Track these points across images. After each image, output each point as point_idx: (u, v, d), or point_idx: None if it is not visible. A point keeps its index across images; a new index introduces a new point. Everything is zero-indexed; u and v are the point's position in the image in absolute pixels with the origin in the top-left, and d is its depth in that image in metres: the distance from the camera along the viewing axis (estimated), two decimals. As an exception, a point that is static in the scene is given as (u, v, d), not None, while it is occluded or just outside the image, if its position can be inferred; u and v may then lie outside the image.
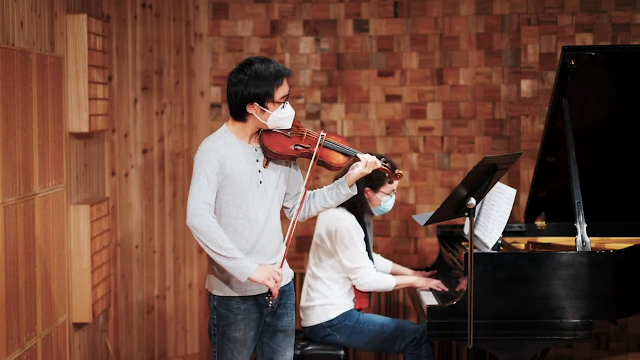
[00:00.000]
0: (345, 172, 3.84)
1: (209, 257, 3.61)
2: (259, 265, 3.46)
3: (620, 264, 4.01)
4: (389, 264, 4.84)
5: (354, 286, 4.51)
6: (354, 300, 4.53)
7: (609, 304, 3.99)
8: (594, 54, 4.31)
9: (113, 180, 5.52)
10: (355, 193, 3.65)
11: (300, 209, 3.61)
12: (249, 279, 3.44)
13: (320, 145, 3.57)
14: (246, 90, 3.48)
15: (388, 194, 4.50)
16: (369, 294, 4.54)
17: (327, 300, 4.48)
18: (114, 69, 5.48)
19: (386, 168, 3.66)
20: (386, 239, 5.70)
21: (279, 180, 3.62)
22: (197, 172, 3.49)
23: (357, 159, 3.61)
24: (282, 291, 3.66)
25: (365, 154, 3.63)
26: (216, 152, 3.50)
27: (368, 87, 5.67)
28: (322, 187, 3.74)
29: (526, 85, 5.50)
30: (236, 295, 3.56)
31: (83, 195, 4.99)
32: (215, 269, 3.60)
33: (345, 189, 3.62)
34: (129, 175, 5.57)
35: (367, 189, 4.48)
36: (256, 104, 3.49)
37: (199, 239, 3.43)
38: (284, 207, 3.72)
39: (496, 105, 5.60)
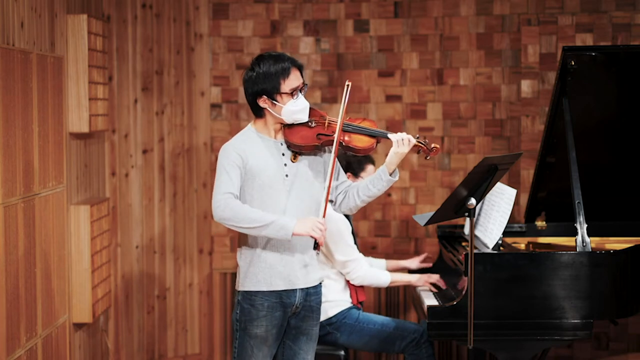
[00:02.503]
0: None
1: (238, 259, 3.61)
2: (297, 219, 3.45)
3: (620, 264, 4.01)
4: (382, 263, 4.83)
5: (349, 281, 4.50)
6: (350, 295, 4.51)
7: (609, 304, 3.99)
8: (594, 54, 4.30)
9: (113, 180, 5.52)
10: (397, 179, 3.58)
11: (329, 188, 3.51)
12: (293, 234, 3.42)
13: (340, 130, 3.52)
14: (255, 86, 3.52)
15: None
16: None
17: (323, 298, 4.46)
18: (114, 69, 5.48)
19: (421, 144, 3.58)
20: (386, 239, 5.70)
21: (310, 173, 3.59)
22: (218, 170, 3.51)
23: (387, 140, 3.55)
24: (309, 292, 3.63)
25: (396, 133, 3.56)
26: (235, 147, 3.53)
27: (368, 87, 5.67)
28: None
29: (526, 85, 5.50)
30: (260, 289, 3.55)
31: (83, 195, 4.99)
32: (243, 265, 3.59)
33: (386, 175, 3.56)
34: (129, 175, 5.57)
35: (348, 173, 4.46)
36: (265, 97, 3.51)
37: (232, 226, 3.43)
38: (329, 200, 3.67)
39: (496, 105, 5.60)
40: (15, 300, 3.89)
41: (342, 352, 4.45)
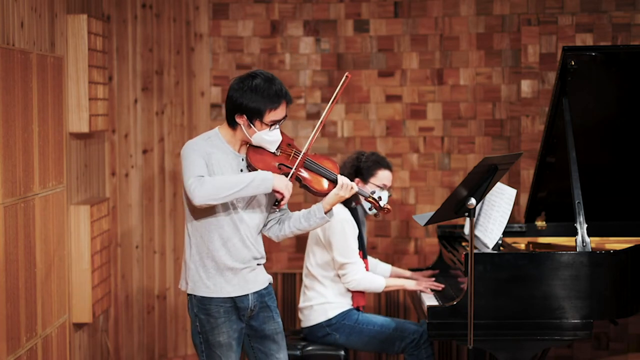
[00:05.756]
0: None
1: (185, 257, 3.60)
2: (273, 175, 3.46)
3: (620, 264, 4.01)
4: (387, 267, 4.81)
5: None
6: (351, 298, 4.51)
7: (609, 304, 3.99)
8: (594, 54, 4.30)
9: (113, 180, 5.52)
10: (330, 219, 3.62)
11: (310, 145, 3.55)
12: (273, 188, 3.44)
13: (299, 165, 3.53)
14: (240, 100, 3.48)
15: (379, 187, 4.46)
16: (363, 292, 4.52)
17: (324, 299, 4.47)
18: (114, 69, 5.48)
19: (372, 200, 3.65)
20: (386, 239, 5.70)
21: (261, 196, 3.57)
22: (185, 162, 3.46)
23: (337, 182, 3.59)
24: (261, 294, 3.64)
25: (343, 176, 3.61)
26: (201, 145, 3.50)
27: (368, 87, 5.67)
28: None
29: (526, 85, 5.50)
30: (213, 296, 3.55)
31: (83, 195, 5.00)
32: (192, 267, 3.57)
33: (320, 213, 3.58)
34: (129, 175, 5.58)
35: (357, 179, 4.45)
36: (245, 116, 3.49)
37: (217, 198, 3.38)
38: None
39: (496, 105, 5.60)
40: (15, 300, 3.89)
41: (342, 352, 4.45)
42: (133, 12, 5.53)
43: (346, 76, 3.60)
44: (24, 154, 3.99)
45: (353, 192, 3.59)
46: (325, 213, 3.59)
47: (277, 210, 3.59)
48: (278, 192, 3.48)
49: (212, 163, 3.48)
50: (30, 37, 4.23)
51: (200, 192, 3.36)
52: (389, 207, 3.66)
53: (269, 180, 3.44)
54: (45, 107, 4.25)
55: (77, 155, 4.89)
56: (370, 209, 3.69)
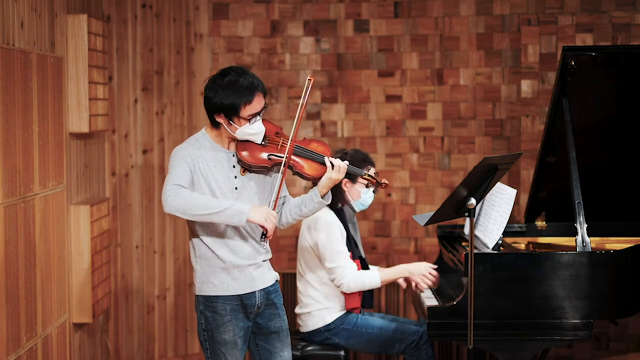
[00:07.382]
0: None
1: (192, 261, 3.61)
2: (252, 207, 3.44)
3: (620, 264, 4.01)
4: (373, 269, 4.75)
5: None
6: (345, 301, 4.46)
7: (609, 304, 3.99)
8: (594, 54, 4.30)
9: (113, 180, 5.52)
10: (328, 202, 3.61)
11: (280, 185, 3.54)
12: (247, 220, 3.41)
13: (290, 152, 3.53)
14: (214, 99, 3.47)
15: (367, 186, 4.40)
16: (358, 293, 4.45)
17: (320, 304, 4.44)
18: (114, 69, 5.48)
19: (368, 177, 3.65)
20: (386, 239, 5.70)
21: (257, 188, 3.59)
22: (171, 167, 3.48)
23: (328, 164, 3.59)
24: (268, 291, 3.64)
25: (336, 158, 3.60)
26: (186, 150, 3.52)
27: (368, 87, 5.67)
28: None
29: (526, 85, 5.50)
30: (219, 294, 3.56)
31: (83, 195, 4.99)
32: (198, 269, 3.58)
33: (317, 198, 3.58)
34: (129, 175, 5.58)
35: (345, 180, 4.38)
36: (223, 115, 3.48)
37: (186, 214, 3.37)
38: None
39: (496, 105, 5.60)
40: (15, 300, 3.89)
41: (342, 353, 4.45)
42: (133, 12, 5.53)
43: (308, 79, 3.57)
44: (24, 154, 3.99)
45: (345, 171, 3.57)
46: (322, 197, 3.59)
47: (265, 244, 3.58)
48: (260, 225, 3.46)
49: (201, 167, 3.49)
50: (30, 37, 4.23)
51: (173, 201, 3.36)
52: (386, 181, 3.65)
53: (243, 214, 3.40)
54: (45, 107, 4.25)
55: (77, 155, 4.89)
56: (367, 186, 3.66)
